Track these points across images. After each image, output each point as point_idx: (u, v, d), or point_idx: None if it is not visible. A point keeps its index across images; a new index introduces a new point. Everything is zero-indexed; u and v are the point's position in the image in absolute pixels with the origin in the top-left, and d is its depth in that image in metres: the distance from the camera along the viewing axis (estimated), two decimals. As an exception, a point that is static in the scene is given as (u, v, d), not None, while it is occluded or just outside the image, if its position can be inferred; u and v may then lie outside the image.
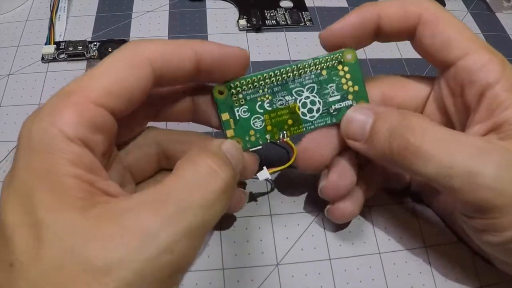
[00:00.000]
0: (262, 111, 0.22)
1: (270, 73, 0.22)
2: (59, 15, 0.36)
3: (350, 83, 0.22)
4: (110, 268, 0.14)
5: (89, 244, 0.14)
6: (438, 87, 0.23)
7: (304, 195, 0.28)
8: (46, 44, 0.34)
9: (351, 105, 0.22)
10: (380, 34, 0.22)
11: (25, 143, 0.16)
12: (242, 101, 0.22)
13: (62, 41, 0.34)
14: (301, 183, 0.28)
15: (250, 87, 0.22)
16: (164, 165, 0.24)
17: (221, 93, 0.22)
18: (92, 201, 0.15)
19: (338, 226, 0.27)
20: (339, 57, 0.22)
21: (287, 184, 0.28)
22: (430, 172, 0.19)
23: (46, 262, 0.14)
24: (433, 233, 0.27)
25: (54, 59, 0.33)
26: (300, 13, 0.38)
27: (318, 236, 0.26)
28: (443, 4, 0.39)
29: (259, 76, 0.22)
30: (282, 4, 0.39)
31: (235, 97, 0.22)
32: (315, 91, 0.22)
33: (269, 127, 0.22)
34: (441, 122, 0.23)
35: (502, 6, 0.41)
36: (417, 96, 0.24)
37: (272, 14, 0.38)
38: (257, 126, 0.22)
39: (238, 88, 0.22)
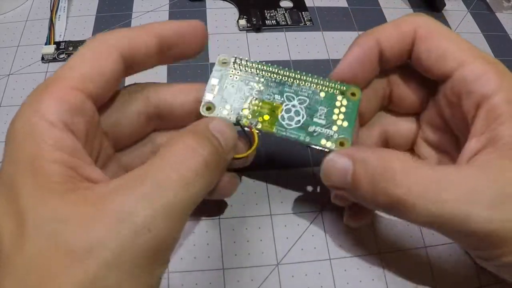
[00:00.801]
0: (248, 94, 0.22)
1: (274, 69, 0.23)
2: (59, 15, 0.36)
3: (341, 116, 0.22)
4: (90, 250, 0.14)
5: (69, 227, 0.14)
6: (437, 98, 0.23)
7: (304, 195, 0.28)
8: (46, 44, 0.34)
9: (331, 136, 0.22)
10: (384, 60, 0.22)
11: (10, 136, 0.17)
12: (236, 77, 0.23)
13: (62, 41, 0.34)
14: (301, 183, 0.28)
15: (251, 70, 0.23)
16: (158, 125, 0.23)
17: (223, 63, 0.23)
18: (74, 186, 0.16)
19: (338, 227, 0.27)
20: (344, 89, 0.22)
21: (287, 184, 0.28)
22: (421, 221, 0.18)
23: (29, 249, 0.14)
24: (433, 233, 0.27)
25: (54, 59, 0.33)
26: (300, 13, 0.38)
27: (318, 236, 0.26)
28: (443, 4, 0.39)
29: (264, 66, 0.23)
30: (282, 4, 0.39)
31: (232, 70, 0.23)
32: (304, 104, 0.22)
33: (245, 111, 0.22)
34: (441, 131, 0.23)
35: (502, 6, 0.41)
36: (416, 98, 0.24)
37: (272, 14, 0.38)
38: (235, 104, 0.22)
39: (240, 65, 0.23)
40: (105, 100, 0.20)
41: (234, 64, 0.23)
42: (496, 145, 0.19)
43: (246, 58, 0.23)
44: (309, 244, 0.26)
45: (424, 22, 0.21)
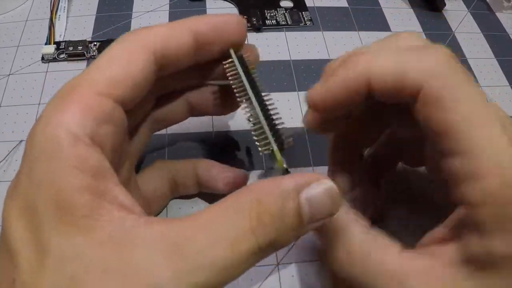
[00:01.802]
0: None
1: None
2: (59, 15, 0.36)
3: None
4: None
5: (89, 275, 0.14)
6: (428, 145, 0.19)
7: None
8: (46, 44, 0.34)
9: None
10: (371, 96, 0.18)
11: (29, 150, 0.15)
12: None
13: (62, 41, 0.34)
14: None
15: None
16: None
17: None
18: (100, 220, 0.14)
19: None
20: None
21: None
22: None
23: (48, 285, 0.14)
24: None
25: (54, 59, 0.33)
26: (300, 13, 0.38)
27: (318, 236, 0.26)
28: (443, 4, 0.39)
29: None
30: (282, 4, 0.39)
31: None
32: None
33: None
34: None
35: (502, 6, 0.41)
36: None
37: (272, 14, 0.38)
38: None
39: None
40: (134, 104, 0.18)
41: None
42: (455, 250, 0.17)
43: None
44: (309, 244, 0.26)
45: (435, 78, 0.16)
